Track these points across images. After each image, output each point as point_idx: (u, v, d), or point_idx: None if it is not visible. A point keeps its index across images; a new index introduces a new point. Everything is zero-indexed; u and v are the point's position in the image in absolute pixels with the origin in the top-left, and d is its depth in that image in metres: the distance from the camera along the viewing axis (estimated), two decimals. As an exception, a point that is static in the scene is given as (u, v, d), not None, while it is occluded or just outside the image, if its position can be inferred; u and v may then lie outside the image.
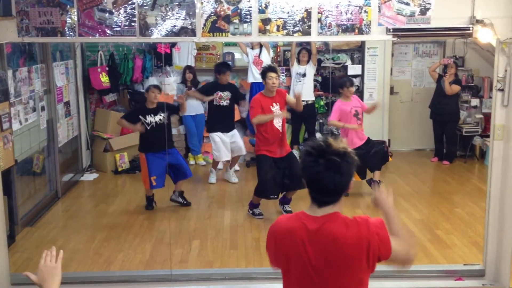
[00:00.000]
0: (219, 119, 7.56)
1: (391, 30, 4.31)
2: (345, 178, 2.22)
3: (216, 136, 7.51)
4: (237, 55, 9.08)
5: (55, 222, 6.31)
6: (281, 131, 6.09)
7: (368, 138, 7.02)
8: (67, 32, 4.18)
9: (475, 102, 8.97)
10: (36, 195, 6.63)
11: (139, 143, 6.62)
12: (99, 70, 8.21)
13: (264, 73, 6.08)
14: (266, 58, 8.40)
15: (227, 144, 7.56)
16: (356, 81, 9.19)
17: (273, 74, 5.99)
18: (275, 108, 6.04)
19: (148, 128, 6.41)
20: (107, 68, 8.28)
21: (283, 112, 6.10)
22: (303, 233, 2.24)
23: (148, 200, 6.64)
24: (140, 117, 6.41)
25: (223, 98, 7.48)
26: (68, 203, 7.01)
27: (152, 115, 6.40)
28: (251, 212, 6.35)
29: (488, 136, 5.07)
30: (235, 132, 7.68)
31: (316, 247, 2.23)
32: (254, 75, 8.40)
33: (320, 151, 2.22)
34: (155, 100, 6.42)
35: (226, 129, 7.57)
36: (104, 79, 8.19)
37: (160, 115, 6.40)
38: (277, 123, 6.06)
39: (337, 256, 2.21)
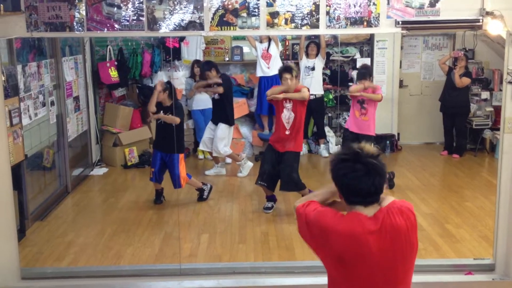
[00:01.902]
0: (213, 110, 7.66)
1: (400, 22, 4.27)
2: (384, 179, 2.30)
3: (209, 124, 7.67)
4: (245, 49, 9.06)
5: (65, 216, 6.35)
6: (287, 129, 6.06)
7: (369, 136, 6.87)
8: (76, 27, 4.19)
9: (485, 95, 8.91)
10: (46, 189, 6.67)
11: (180, 145, 6.59)
12: (108, 64, 8.23)
13: (280, 74, 6.13)
14: (275, 52, 8.38)
15: (208, 132, 7.64)
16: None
17: (287, 75, 5.98)
18: (288, 105, 6.03)
19: (157, 123, 6.45)
20: (116, 63, 8.31)
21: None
22: (368, 237, 2.26)
23: (156, 194, 6.67)
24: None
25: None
26: (78, 197, 7.05)
27: (162, 111, 6.41)
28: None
29: (498, 129, 5.02)
30: (219, 127, 7.53)
31: (384, 242, 2.27)
32: (263, 69, 8.38)
33: (355, 156, 2.29)
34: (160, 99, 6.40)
35: (214, 120, 7.61)
36: (113, 73, 8.22)
37: (168, 115, 6.39)
38: (286, 122, 6.07)
39: (403, 247, 2.29)
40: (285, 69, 6.12)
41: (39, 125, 6.27)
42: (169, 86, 6.45)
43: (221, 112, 7.50)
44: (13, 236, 4.56)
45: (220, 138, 7.51)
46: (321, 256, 2.40)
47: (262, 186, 6.29)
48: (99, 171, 8.11)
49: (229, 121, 7.56)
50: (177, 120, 6.29)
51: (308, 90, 6.16)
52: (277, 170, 6.13)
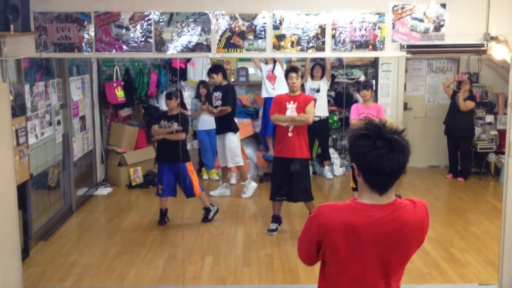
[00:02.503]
0: (216, 120, 7.69)
1: (405, 46, 4.32)
2: (407, 158, 2.13)
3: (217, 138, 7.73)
4: (251, 70, 9.13)
5: (69, 236, 6.34)
6: (290, 131, 6.03)
7: None
8: (84, 48, 4.25)
9: (489, 118, 8.91)
10: (51, 209, 6.67)
11: (186, 154, 6.65)
12: (114, 84, 8.29)
13: (286, 73, 6.22)
14: (280, 73, 8.42)
15: (220, 148, 7.67)
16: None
17: (293, 74, 6.06)
18: (291, 105, 6.03)
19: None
20: (122, 83, 8.37)
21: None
22: (368, 227, 2.13)
23: (161, 215, 6.65)
24: (160, 120, 6.51)
25: (216, 97, 7.54)
26: (82, 217, 7.04)
27: (166, 120, 6.44)
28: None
29: (503, 153, 5.03)
30: (226, 136, 7.56)
31: (385, 238, 2.15)
32: (268, 90, 8.43)
33: (377, 132, 2.10)
34: (168, 106, 6.48)
35: (218, 130, 7.65)
36: (120, 93, 8.28)
37: (174, 124, 6.40)
38: (289, 126, 6.06)
39: (408, 241, 2.19)
40: (291, 69, 6.21)
41: (45, 144, 6.30)
42: (179, 94, 6.54)
43: (226, 122, 7.55)
44: (17, 256, 4.56)
45: (231, 148, 7.57)
46: (321, 253, 2.29)
47: (275, 203, 6.27)
48: (104, 191, 8.11)
49: (234, 129, 7.63)
50: (183, 136, 6.34)
51: (315, 101, 6.16)
52: (289, 181, 6.11)
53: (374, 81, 9.07)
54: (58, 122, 6.70)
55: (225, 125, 7.55)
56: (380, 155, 2.07)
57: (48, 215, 6.54)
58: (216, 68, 7.64)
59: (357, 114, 6.77)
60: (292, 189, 6.14)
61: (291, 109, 6.04)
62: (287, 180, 6.11)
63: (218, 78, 7.48)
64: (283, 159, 6.11)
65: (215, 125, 7.75)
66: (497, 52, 4.32)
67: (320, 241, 2.24)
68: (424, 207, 2.26)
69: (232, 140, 7.56)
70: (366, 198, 2.19)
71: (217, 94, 7.52)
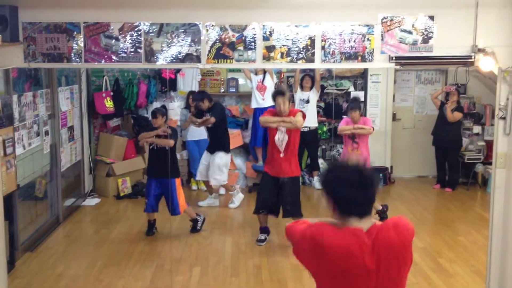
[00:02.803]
0: (209, 138, 7.69)
1: (394, 58, 4.35)
2: (370, 190, 2.30)
3: (204, 154, 7.63)
4: (241, 81, 9.15)
5: (55, 247, 6.28)
6: (281, 152, 6.02)
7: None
8: (73, 58, 4.23)
9: (477, 129, 8.99)
10: (37, 220, 6.61)
11: (176, 169, 6.64)
12: (103, 95, 8.26)
13: (273, 97, 6.13)
14: (270, 84, 8.46)
15: (203, 164, 7.61)
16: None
17: (280, 100, 5.97)
18: (282, 128, 6.01)
19: (150, 148, 6.50)
20: (111, 93, 8.34)
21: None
22: (363, 249, 2.23)
23: (149, 226, 6.61)
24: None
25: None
26: (70, 228, 6.98)
27: (156, 136, 6.43)
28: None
29: (490, 164, 5.07)
30: (216, 155, 7.53)
31: (378, 258, 2.24)
32: (258, 101, 8.45)
33: (341, 167, 2.34)
34: (155, 125, 6.47)
35: (210, 149, 7.60)
36: (109, 104, 8.24)
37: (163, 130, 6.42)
38: (279, 145, 6.03)
39: (397, 264, 2.28)
40: (278, 93, 6.10)
41: (33, 155, 6.25)
42: (165, 111, 6.56)
43: (217, 140, 7.51)
44: (3, 267, 4.50)
45: (218, 166, 7.50)
46: (313, 271, 2.35)
47: (260, 216, 6.26)
48: (92, 201, 8.05)
49: (226, 149, 7.58)
50: (171, 142, 6.31)
51: (304, 115, 6.11)
52: (276, 197, 6.10)
53: (363, 92, 9.14)
54: (46, 133, 6.65)
55: (218, 144, 7.52)
56: (350, 186, 2.27)
57: (35, 226, 6.47)
58: (199, 95, 7.58)
59: (345, 136, 6.98)
60: (281, 205, 6.13)
61: (281, 131, 6.02)
62: (274, 196, 6.11)
63: (205, 104, 7.44)
64: (272, 177, 6.11)
65: (209, 143, 7.69)
66: (484, 64, 4.37)
67: (314, 259, 2.32)
68: (405, 227, 2.34)
69: (222, 159, 7.52)
70: (348, 222, 2.31)
71: (208, 115, 7.48)
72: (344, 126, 6.96)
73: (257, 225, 6.47)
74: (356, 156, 2.29)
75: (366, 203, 2.31)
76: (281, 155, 6.02)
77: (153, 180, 6.46)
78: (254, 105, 8.53)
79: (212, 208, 7.75)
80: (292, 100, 8.92)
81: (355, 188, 2.26)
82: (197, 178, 7.83)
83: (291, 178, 6.09)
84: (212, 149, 7.56)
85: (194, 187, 8.71)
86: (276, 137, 6.03)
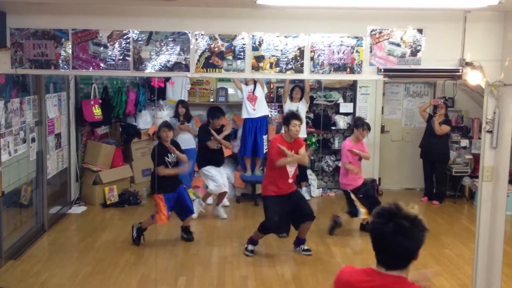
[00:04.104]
0: (211, 156, 7.60)
1: (382, 70, 4.37)
2: (413, 244, 2.22)
3: (212, 169, 7.54)
4: (230, 91, 9.15)
5: (40, 255, 6.20)
6: (290, 177, 6.12)
7: (364, 180, 7.14)
8: (61, 65, 4.20)
9: (464, 142, 9.05)
10: (22, 227, 6.53)
11: (157, 184, 6.46)
12: (92, 102, 8.22)
13: (287, 119, 6.11)
14: (261, 94, 8.46)
15: (223, 175, 7.69)
16: (348, 119, 9.28)
17: (297, 122, 6.02)
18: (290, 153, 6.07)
19: (170, 167, 6.49)
20: (100, 101, 8.30)
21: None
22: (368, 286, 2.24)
23: (138, 234, 6.54)
24: (165, 158, 6.48)
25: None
26: (54, 236, 6.90)
27: (171, 154, 6.48)
28: (245, 246, 6.30)
29: (477, 177, 5.10)
30: (223, 168, 7.81)
31: None
32: (248, 111, 8.45)
33: (390, 214, 2.22)
34: (168, 139, 6.48)
35: (217, 164, 7.64)
36: (97, 111, 8.20)
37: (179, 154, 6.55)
38: (290, 170, 6.10)
39: None
40: (294, 116, 6.13)
41: (19, 162, 6.19)
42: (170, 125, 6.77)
43: (222, 156, 7.77)
44: (-15, 275, 4.43)
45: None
46: None
47: (260, 233, 6.24)
48: (78, 209, 7.98)
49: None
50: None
51: (306, 147, 6.32)
52: (286, 213, 6.13)
53: (352, 104, 9.18)
54: (33, 139, 6.60)
55: (223, 159, 7.82)
56: (386, 234, 2.20)
57: (19, 233, 6.39)
58: (219, 112, 7.67)
59: (351, 156, 6.92)
60: (297, 214, 6.17)
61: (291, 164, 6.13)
62: (288, 215, 6.15)
63: (221, 122, 7.62)
64: (278, 196, 6.12)
65: (217, 159, 7.69)
66: (472, 77, 4.39)
67: None
68: None
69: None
70: (376, 267, 2.30)
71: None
72: (351, 166, 6.91)
73: (244, 236, 6.44)
74: (406, 206, 2.19)
75: (398, 256, 2.26)
76: (290, 180, 6.15)
77: (170, 194, 6.47)
78: (244, 115, 8.52)
79: (199, 218, 7.69)
80: (281, 111, 8.95)
81: (387, 237, 2.21)
82: (224, 190, 7.70)
83: (297, 190, 6.45)
84: (219, 163, 7.67)
85: (193, 197, 8.66)
86: (288, 168, 6.09)
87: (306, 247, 6.34)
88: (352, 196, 6.89)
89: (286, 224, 6.20)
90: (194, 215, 7.51)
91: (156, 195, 6.45)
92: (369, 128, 7.08)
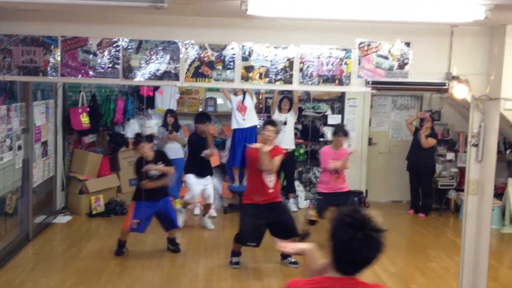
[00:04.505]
0: (195, 165, 7.58)
1: (370, 82, 4.41)
2: (378, 253, 2.20)
3: (192, 177, 7.53)
4: (219, 101, 9.16)
5: (24, 265, 6.12)
6: (270, 187, 6.03)
7: (349, 190, 7.10)
8: (50, 72, 4.19)
9: (450, 156, 9.12)
10: (6, 236, 6.44)
11: (135, 191, 6.53)
12: (80, 110, 8.18)
13: (264, 124, 6.20)
14: (250, 104, 8.49)
15: (207, 187, 7.59)
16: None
17: (270, 127, 6.01)
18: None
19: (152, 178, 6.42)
20: (88, 109, 8.26)
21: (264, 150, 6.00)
22: None
23: (119, 245, 6.50)
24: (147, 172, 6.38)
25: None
26: (39, 245, 6.82)
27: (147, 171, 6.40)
28: (230, 259, 6.27)
29: (463, 190, 5.15)
30: (208, 178, 7.66)
31: None
32: (238, 121, 8.46)
33: (361, 223, 2.17)
34: (146, 154, 6.37)
35: (199, 173, 7.56)
36: (84, 119, 8.15)
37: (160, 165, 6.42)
38: (268, 181, 6.03)
39: None
40: (270, 122, 6.21)
41: (4, 170, 6.12)
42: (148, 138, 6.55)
43: (208, 166, 7.66)
44: (-32, 284, 4.37)
45: (213, 188, 7.72)
46: None
47: (239, 245, 6.21)
48: (63, 219, 7.90)
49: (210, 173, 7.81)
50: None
51: (284, 157, 6.19)
52: (264, 224, 6.03)
53: (340, 116, 9.23)
54: (19, 147, 6.54)
55: (210, 169, 7.73)
56: (356, 247, 2.15)
57: (4, 242, 6.30)
58: (206, 117, 7.62)
59: (328, 161, 6.86)
60: (280, 229, 5.98)
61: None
62: (257, 226, 6.02)
63: (208, 128, 7.58)
64: (255, 205, 6.04)
65: (202, 169, 7.61)
66: (458, 91, 4.45)
67: None
68: None
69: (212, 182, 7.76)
70: (329, 272, 2.25)
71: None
72: (331, 163, 6.82)
73: (231, 247, 6.41)
74: (376, 216, 2.12)
75: (363, 266, 2.22)
76: (270, 190, 6.04)
77: (144, 203, 6.35)
78: (234, 125, 8.52)
79: (186, 229, 7.66)
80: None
81: (359, 250, 2.15)
82: (195, 201, 7.73)
83: (279, 202, 6.23)
84: (205, 174, 7.59)
85: (177, 207, 8.61)
86: (267, 178, 6.03)
87: (293, 260, 6.31)
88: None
89: (259, 236, 6.06)
90: (180, 224, 7.50)
91: (132, 201, 6.48)
92: (345, 134, 6.96)
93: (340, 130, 7.03)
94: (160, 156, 6.52)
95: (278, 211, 6.09)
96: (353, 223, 2.16)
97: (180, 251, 6.68)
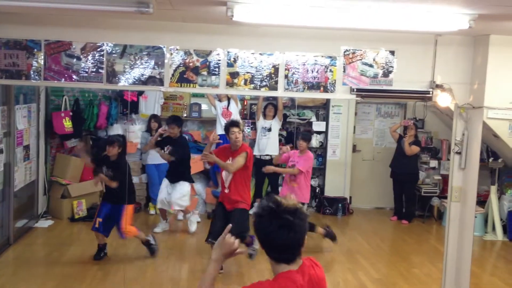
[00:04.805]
0: (169, 169, 7.53)
1: (355, 90, 4.43)
2: (299, 235, 2.24)
3: (164, 181, 7.48)
4: (204, 106, 9.13)
5: (4, 269, 6.04)
6: (226, 187, 6.06)
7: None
8: (32, 76, 4.14)
9: (434, 163, 9.20)
10: (-14, 241, 6.36)
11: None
12: (62, 115, 8.10)
13: (227, 128, 6.11)
14: (235, 110, 8.47)
15: (174, 192, 7.39)
16: (320, 137, 9.36)
17: (235, 129, 5.99)
18: (228, 162, 6.03)
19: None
20: (71, 113, 8.18)
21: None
22: None
23: (98, 249, 6.44)
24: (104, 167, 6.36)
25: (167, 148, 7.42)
26: (20, 250, 6.73)
27: (105, 166, 6.35)
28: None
29: (446, 197, 5.18)
30: (180, 184, 7.40)
31: None
32: (223, 127, 8.41)
33: (271, 211, 2.23)
34: (110, 153, 6.32)
35: (171, 178, 7.46)
36: (67, 124, 8.08)
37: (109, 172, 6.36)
38: (226, 178, 6.10)
39: None
40: (232, 123, 6.13)
41: (-15, 173, 6.05)
42: (122, 141, 6.40)
43: (179, 171, 7.40)
44: None
45: (183, 195, 7.39)
46: None
47: (211, 244, 6.18)
48: (45, 223, 7.81)
49: (188, 179, 7.52)
50: (113, 184, 6.24)
51: (249, 156, 6.07)
52: (223, 225, 6.02)
53: (325, 123, 9.26)
54: (0, 151, 6.45)
55: (181, 175, 7.42)
56: (271, 232, 2.21)
57: (-17, 247, 6.23)
58: (175, 120, 7.37)
59: (287, 159, 7.02)
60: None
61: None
62: (221, 226, 5.92)
63: (174, 132, 7.25)
64: (224, 207, 6.11)
65: (170, 173, 7.50)
66: (441, 99, 4.49)
67: None
68: (319, 264, 2.43)
69: (186, 188, 7.42)
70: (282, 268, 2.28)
71: (169, 148, 7.34)
72: (276, 156, 7.02)
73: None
74: (287, 199, 2.16)
75: (288, 249, 2.26)
76: (226, 190, 6.06)
77: (107, 204, 6.36)
78: (219, 131, 8.48)
79: (169, 234, 7.62)
80: (254, 128, 8.97)
81: (275, 234, 2.21)
82: (159, 207, 7.63)
83: (237, 210, 6.03)
84: (173, 179, 7.43)
85: (152, 211, 8.57)
86: (223, 174, 6.14)
87: (256, 247, 6.26)
88: None
89: (218, 233, 6.11)
90: (157, 229, 7.52)
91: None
92: (303, 139, 7.05)
93: (300, 134, 7.19)
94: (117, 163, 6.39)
95: (233, 217, 5.97)
96: (263, 212, 2.24)
97: (157, 249, 6.62)
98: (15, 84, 5.72)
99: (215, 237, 6.06)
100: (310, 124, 9.32)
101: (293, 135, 9.07)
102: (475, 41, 4.51)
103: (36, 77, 4.15)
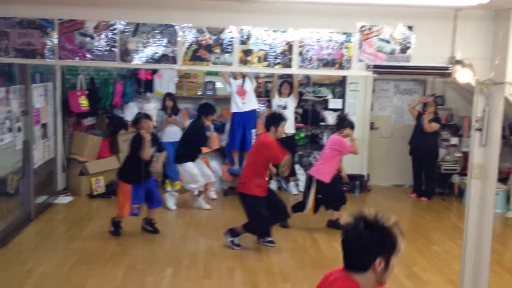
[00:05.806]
0: (195, 151, 7.64)
1: (372, 66, 4.34)
2: (364, 252, 2.21)
3: (190, 164, 7.52)
4: (218, 84, 9.10)
5: (26, 244, 6.16)
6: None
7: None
8: (47, 55, 4.13)
9: (454, 140, 9.07)
10: (8, 216, 6.48)
11: (122, 172, 6.61)
12: (78, 93, 8.14)
13: (278, 120, 6.22)
14: (250, 88, 8.43)
15: (199, 166, 7.64)
16: (336, 115, 9.28)
17: (285, 123, 6.29)
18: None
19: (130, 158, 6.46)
20: (86, 92, 8.23)
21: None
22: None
23: (115, 225, 6.52)
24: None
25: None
26: (41, 225, 6.85)
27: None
28: (230, 239, 6.27)
29: (466, 175, 5.10)
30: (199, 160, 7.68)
31: None
32: (238, 105, 8.41)
33: (361, 217, 2.21)
34: (149, 130, 6.41)
35: (195, 158, 7.62)
36: (83, 102, 8.13)
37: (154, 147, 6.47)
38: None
39: None
40: (284, 118, 6.38)
41: (4, 151, 6.13)
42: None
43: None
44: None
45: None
46: None
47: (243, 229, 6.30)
48: (64, 199, 7.93)
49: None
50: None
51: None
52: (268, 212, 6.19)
53: (341, 100, 9.17)
54: (19, 129, 6.53)
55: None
56: (346, 239, 2.26)
57: (6, 222, 6.36)
58: (211, 109, 7.62)
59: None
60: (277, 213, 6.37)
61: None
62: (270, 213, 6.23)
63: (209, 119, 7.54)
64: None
65: (196, 154, 7.65)
66: (461, 75, 4.38)
67: None
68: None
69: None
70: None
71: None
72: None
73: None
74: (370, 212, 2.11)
75: (347, 258, 2.28)
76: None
77: (138, 185, 6.40)
78: (234, 109, 8.47)
79: (186, 210, 7.69)
80: (269, 105, 8.92)
81: (344, 241, 2.25)
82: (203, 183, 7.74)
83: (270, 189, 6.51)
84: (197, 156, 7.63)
85: (168, 188, 8.62)
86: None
87: (269, 239, 6.41)
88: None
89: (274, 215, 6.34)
90: (173, 207, 7.60)
91: (124, 184, 6.41)
92: (352, 127, 7.08)
93: (345, 122, 7.04)
94: (154, 138, 6.53)
95: (273, 194, 6.49)
96: (357, 216, 2.21)
97: (159, 232, 6.67)
98: (30, 63, 5.76)
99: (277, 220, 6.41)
100: (326, 101, 9.24)
101: (309, 113, 8.98)
102: (496, 16, 4.37)
103: (51, 56, 4.14)
